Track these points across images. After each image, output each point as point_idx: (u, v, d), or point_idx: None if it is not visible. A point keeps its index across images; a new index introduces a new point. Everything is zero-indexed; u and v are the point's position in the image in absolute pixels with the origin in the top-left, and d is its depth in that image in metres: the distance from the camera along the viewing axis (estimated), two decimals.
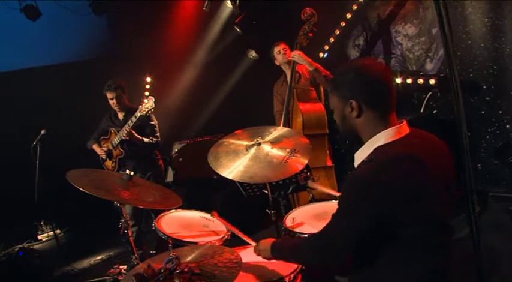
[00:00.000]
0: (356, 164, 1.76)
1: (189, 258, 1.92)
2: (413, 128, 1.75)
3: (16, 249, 5.26)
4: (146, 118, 4.32)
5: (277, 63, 4.55)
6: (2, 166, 5.45)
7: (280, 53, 4.45)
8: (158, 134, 4.50)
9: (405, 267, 1.60)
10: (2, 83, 5.68)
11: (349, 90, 1.71)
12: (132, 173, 2.65)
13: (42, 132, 4.99)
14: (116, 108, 4.47)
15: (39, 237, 5.93)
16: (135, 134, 4.26)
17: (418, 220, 1.57)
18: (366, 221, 1.58)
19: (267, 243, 2.08)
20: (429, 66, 5.01)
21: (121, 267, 4.22)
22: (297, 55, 4.18)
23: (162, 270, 1.69)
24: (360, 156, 1.74)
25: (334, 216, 1.69)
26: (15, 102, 5.64)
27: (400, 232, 1.56)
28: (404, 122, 1.73)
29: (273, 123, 4.73)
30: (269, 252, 2.03)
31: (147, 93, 6.29)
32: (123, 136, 4.23)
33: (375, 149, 1.68)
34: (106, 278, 4.04)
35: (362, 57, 1.95)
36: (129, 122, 4.19)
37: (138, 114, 4.14)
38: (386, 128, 1.69)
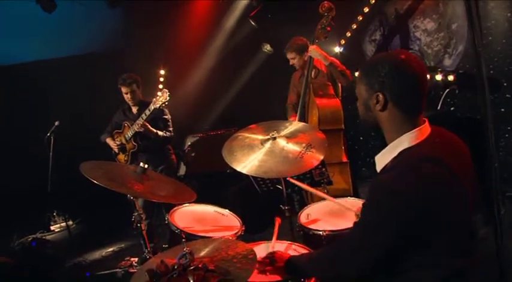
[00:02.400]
0: (378, 168, 1.69)
1: (202, 253, 1.88)
2: (433, 126, 1.68)
3: (29, 239, 5.30)
4: (159, 112, 4.29)
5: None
6: (16, 157, 5.47)
7: (292, 61, 4.44)
8: (171, 129, 4.48)
9: (431, 273, 1.53)
10: (17, 74, 5.68)
11: (380, 83, 1.61)
12: (146, 166, 2.62)
13: (56, 123, 5.01)
14: (130, 103, 4.45)
15: (52, 227, 5.96)
16: (149, 126, 4.24)
17: (446, 226, 1.50)
18: (392, 235, 1.50)
19: (282, 255, 2.01)
20: (448, 62, 4.92)
21: (132, 259, 4.21)
22: (312, 50, 4.11)
23: (176, 267, 1.65)
24: (382, 160, 1.66)
25: (358, 226, 1.63)
26: (29, 94, 5.65)
27: (428, 240, 1.49)
28: (426, 121, 1.66)
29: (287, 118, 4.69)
30: (282, 267, 1.96)
31: (161, 86, 6.27)
32: (137, 128, 4.21)
33: (399, 154, 1.60)
34: (117, 270, 4.03)
35: (399, 50, 1.84)
36: (143, 115, 4.17)
37: (151, 107, 4.12)
38: (410, 130, 1.60)
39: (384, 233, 1.51)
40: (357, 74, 5.65)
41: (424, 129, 1.62)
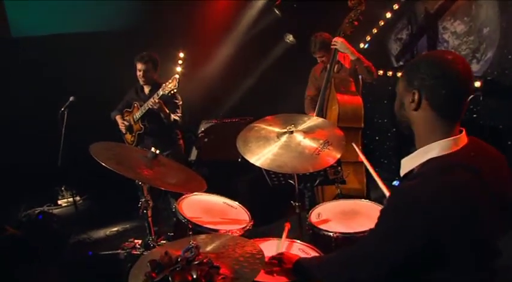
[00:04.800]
0: (402, 172, 1.60)
1: (208, 248, 1.81)
2: (471, 137, 1.57)
3: (36, 212, 5.31)
4: (170, 96, 4.23)
5: None
6: (30, 130, 5.47)
7: (321, 59, 4.36)
8: (180, 114, 4.42)
9: None
10: (35, 47, 5.65)
11: (420, 80, 1.51)
12: (157, 151, 2.56)
13: (71, 99, 4.98)
14: (140, 80, 4.40)
15: (59, 202, 5.97)
16: (163, 106, 4.19)
17: (469, 243, 1.41)
18: (409, 245, 1.41)
19: (291, 257, 1.95)
20: (475, 67, 4.75)
21: (136, 241, 4.16)
22: (339, 43, 3.98)
23: (180, 260, 1.58)
24: (408, 164, 1.57)
25: (374, 232, 1.53)
26: (46, 67, 5.61)
27: (447, 256, 1.40)
28: (464, 131, 1.54)
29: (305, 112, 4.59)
30: (290, 268, 1.90)
31: (179, 69, 6.21)
32: (151, 105, 4.16)
33: (427, 161, 1.50)
34: (120, 251, 3.99)
35: (447, 51, 1.74)
36: (151, 99, 4.15)
37: (160, 92, 4.09)
38: (444, 138, 1.49)
39: (401, 242, 1.42)
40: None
41: (460, 140, 1.51)
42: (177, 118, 4.36)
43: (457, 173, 1.41)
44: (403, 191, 1.46)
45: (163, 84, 4.06)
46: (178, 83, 4.00)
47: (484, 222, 1.42)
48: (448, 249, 1.38)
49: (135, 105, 4.42)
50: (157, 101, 4.11)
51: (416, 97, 1.51)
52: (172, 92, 4.03)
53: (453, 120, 1.51)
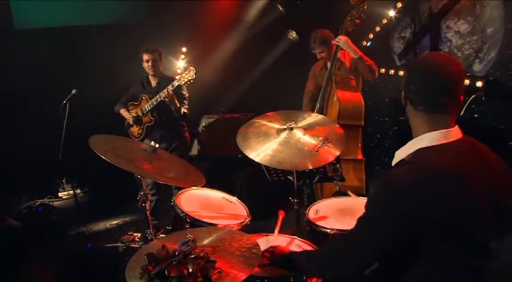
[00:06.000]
0: (394, 162, 1.65)
1: (205, 241, 1.82)
2: (466, 135, 1.61)
3: (37, 204, 5.33)
4: (177, 87, 4.24)
5: None
6: (31, 122, 5.48)
7: (320, 55, 4.34)
8: (187, 106, 4.45)
9: None
10: (38, 39, 5.64)
11: (405, 77, 1.63)
12: (157, 145, 2.57)
13: (73, 91, 4.98)
14: (150, 72, 4.41)
15: (60, 194, 5.98)
16: (175, 98, 4.22)
17: (449, 239, 1.43)
18: (389, 232, 1.47)
19: (283, 250, 1.96)
20: (477, 67, 4.74)
21: (135, 234, 4.18)
22: (342, 41, 3.98)
23: (176, 253, 1.59)
24: (399, 154, 1.63)
25: (359, 220, 1.58)
26: (49, 60, 5.60)
27: (428, 248, 1.44)
28: (457, 127, 1.58)
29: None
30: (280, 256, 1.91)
31: (183, 63, 6.21)
32: (163, 97, 4.17)
33: (416, 151, 1.55)
34: (119, 244, 4.00)
35: (428, 53, 1.82)
36: (165, 90, 4.14)
37: (175, 83, 4.12)
38: (433, 130, 1.54)
39: (382, 228, 1.48)
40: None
41: (451, 134, 1.55)
42: (185, 111, 4.41)
43: (439, 179, 1.44)
44: (388, 177, 1.52)
45: (179, 76, 4.11)
46: (195, 74, 4.06)
47: (464, 222, 1.44)
48: (428, 241, 1.42)
49: (143, 97, 4.43)
50: (171, 92, 4.14)
51: (403, 94, 1.63)
52: (189, 82, 4.09)
53: (437, 114, 1.55)
